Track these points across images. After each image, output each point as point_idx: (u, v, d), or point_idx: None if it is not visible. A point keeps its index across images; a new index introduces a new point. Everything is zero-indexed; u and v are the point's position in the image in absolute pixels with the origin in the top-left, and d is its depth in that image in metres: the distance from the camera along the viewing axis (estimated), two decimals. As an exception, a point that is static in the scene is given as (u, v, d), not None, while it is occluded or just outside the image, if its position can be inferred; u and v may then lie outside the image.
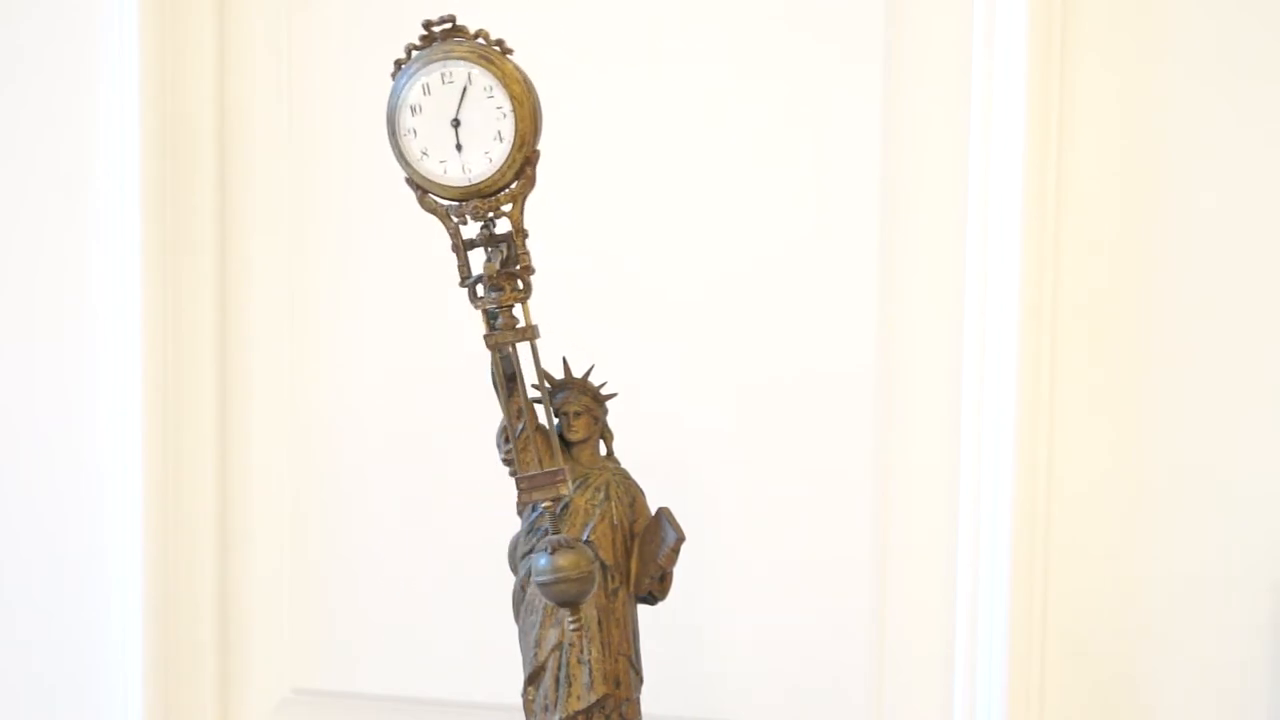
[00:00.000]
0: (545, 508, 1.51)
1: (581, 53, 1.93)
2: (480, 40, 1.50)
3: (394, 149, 1.50)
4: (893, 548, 1.91)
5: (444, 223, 1.52)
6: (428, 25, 1.50)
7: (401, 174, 1.51)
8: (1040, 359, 1.83)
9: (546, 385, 1.56)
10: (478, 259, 1.51)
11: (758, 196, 1.92)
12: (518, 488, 1.50)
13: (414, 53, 1.51)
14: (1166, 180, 1.82)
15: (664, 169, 1.94)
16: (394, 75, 1.51)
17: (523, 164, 1.50)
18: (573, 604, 1.49)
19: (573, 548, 1.49)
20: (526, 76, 1.49)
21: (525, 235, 1.51)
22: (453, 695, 2.03)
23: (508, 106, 1.48)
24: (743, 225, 1.92)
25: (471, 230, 1.52)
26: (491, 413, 1.56)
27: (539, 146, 1.50)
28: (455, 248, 1.51)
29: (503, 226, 1.52)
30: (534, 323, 1.50)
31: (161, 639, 2.06)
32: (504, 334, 1.50)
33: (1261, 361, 1.81)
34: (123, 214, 2.02)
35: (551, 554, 1.48)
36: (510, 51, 1.49)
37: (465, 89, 1.48)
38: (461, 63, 1.48)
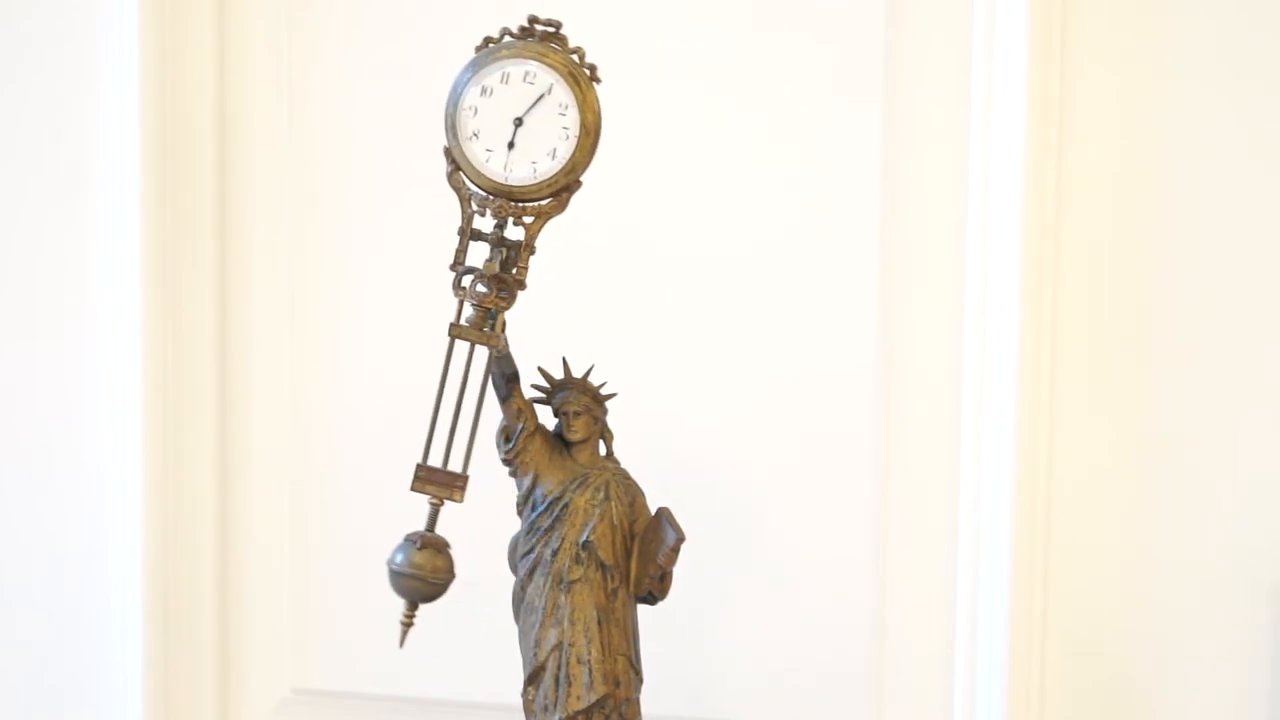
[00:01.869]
0: (433, 503, 1.50)
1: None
2: (575, 57, 1.49)
3: (447, 117, 1.49)
4: (893, 548, 1.91)
5: (462, 205, 1.50)
6: (533, 20, 1.49)
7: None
8: (1040, 359, 1.83)
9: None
10: (475, 255, 1.50)
11: (758, 197, 1.92)
12: (415, 473, 1.50)
13: (507, 37, 1.50)
14: (1166, 180, 1.82)
15: (663, 169, 1.94)
16: (479, 48, 1.49)
17: (563, 188, 1.49)
18: (414, 600, 1.51)
19: (439, 551, 1.49)
20: (601, 110, 1.48)
21: (533, 252, 1.50)
22: (453, 695, 2.03)
23: (575, 130, 1.47)
24: (743, 225, 1.92)
25: (483, 223, 1.51)
26: (491, 412, 1.56)
27: (583, 179, 1.49)
28: (462, 231, 1.50)
29: (515, 234, 1.51)
30: (503, 335, 1.49)
31: (161, 639, 2.06)
32: (468, 330, 1.49)
33: (1262, 361, 1.81)
34: (123, 214, 2.02)
35: (418, 547, 1.49)
36: (599, 81, 1.49)
37: (542, 96, 1.47)
38: (550, 71, 1.47)
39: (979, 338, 1.84)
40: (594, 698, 1.56)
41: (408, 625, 1.52)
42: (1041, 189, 1.81)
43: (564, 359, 1.60)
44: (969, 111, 1.83)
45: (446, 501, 1.52)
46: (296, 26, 2.03)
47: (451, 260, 1.51)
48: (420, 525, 1.53)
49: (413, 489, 1.50)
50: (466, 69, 1.49)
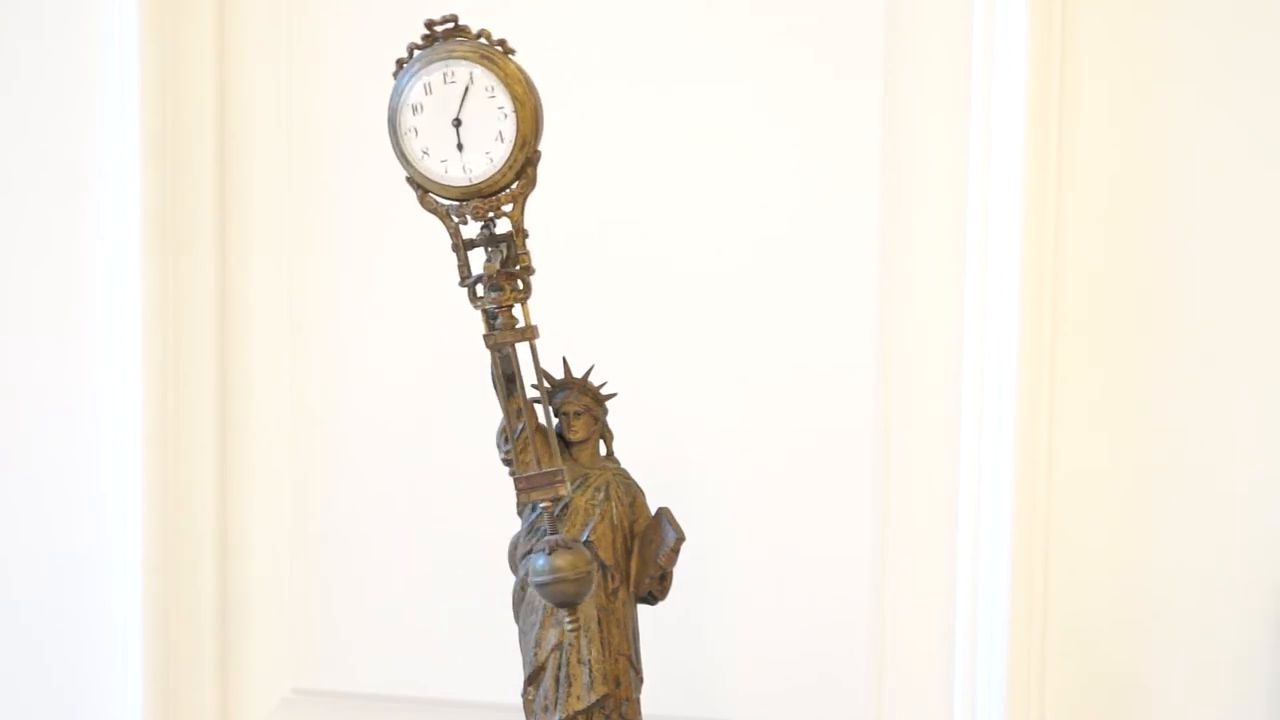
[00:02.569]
0: (544, 508, 1.51)
1: (583, 54, 1.93)
2: (482, 40, 1.50)
3: (395, 148, 1.50)
4: (893, 547, 1.91)
5: (444, 222, 1.52)
6: (430, 25, 1.50)
7: (402, 173, 1.51)
8: (1040, 357, 1.83)
9: (546, 385, 1.56)
10: (477, 259, 1.51)
11: (757, 196, 1.92)
12: (516, 488, 1.50)
13: (416, 52, 1.51)
14: (1165, 179, 1.82)
15: (663, 169, 1.94)
16: (395, 74, 1.51)
17: (524, 164, 1.50)
18: (570, 604, 1.49)
19: (570, 548, 1.49)
20: (528, 77, 1.49)
21: (525, 235, 1.51)
22: (453, 695, 2.03)
23: (509, 107, 1.48)
24: (742, 225, 1.92)
25: (472, 230, 1.52)
26: (491, 413, 1.56)
27: (540, 147, 1.50)
28: (455, 247, 1.51)
29: (503, 226, 1.51)
30: (534, 323, 1.50)
31: (162, 639, 2.06)
32: (503, 334, 1.50)
33: (1262, 360, 1.81)
34: (123, 214, 2.02)
35: (550, 554, 1.48)
36: (512, 52, 1.49)
37: (467, 89, 1.48)
38: (463, 62, 1.48)
39: (979, 337, 1.84)
40: (594, 698, 1.56)
41: (575, 630, 1.51)
42: (1041, 188, 1.81)
43: (564, 359, 1.60)
44: (969, 110, 1.83)
45: (558, 500, 1.51)
46: (296, 27, 2.03)
47: (458, 279, 1.51)
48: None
49: (520, 502, 1.50)
50: (393, 95, 1.50)
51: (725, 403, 1.93)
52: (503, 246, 1.51)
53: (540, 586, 1.49)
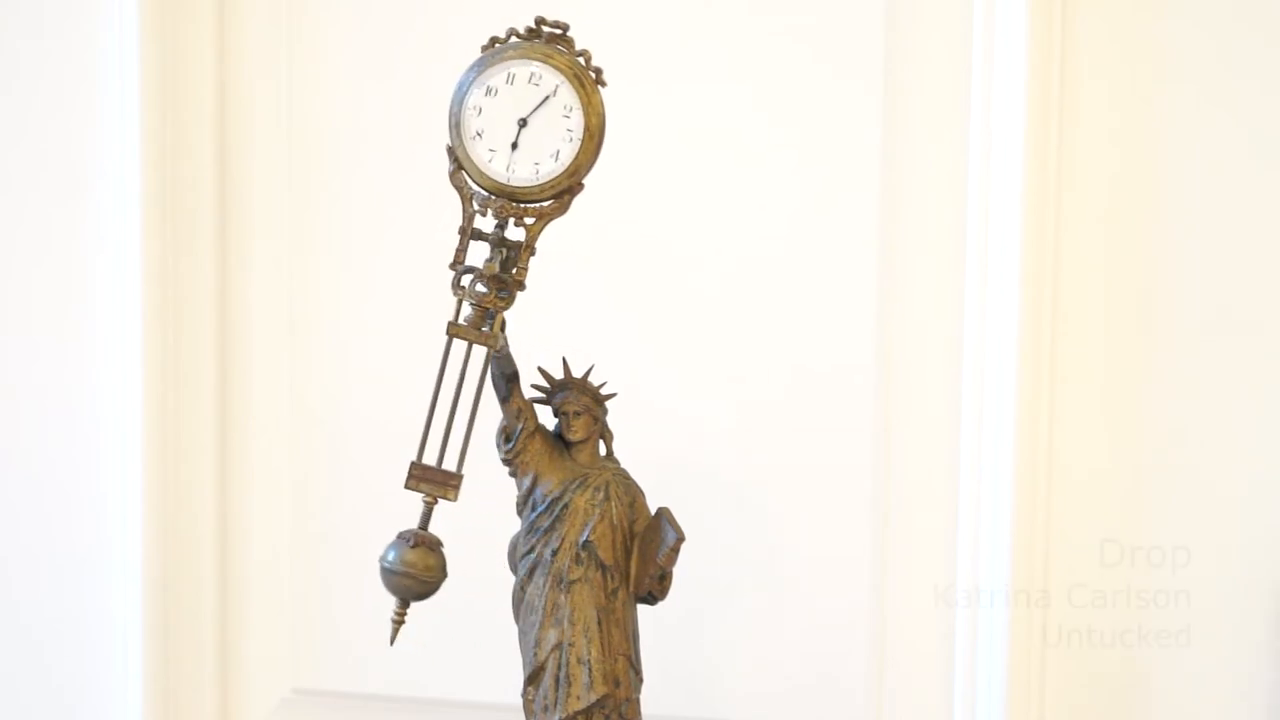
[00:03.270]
0: (426, 501, 1.51)
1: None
2: (581, 60, 1.49)
3: (451, 116, 1.49)
4: (893, 546, 1.91)
5: (464, 204, 1.50)
6: (539, 21, 1.49)
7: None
8: (1040, 356, 1.83)
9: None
10: (475, 254, 1.50)
11: (757, 196, 1.92)
12: (409, 471, 1.50)
13: (513, 38, 1.50)
14: (1165, 178, 1.82)
15: (662, 167, 1.94)
16: (485, 48, 1.49)
17: (565, 190, 1.49)
18: (405, 599, 1.51)
19: (433, 550, 1.50)
20: (605, 114, 1.48)
21: (532, 254, 1.50)
22: (453, 695, 2.03)
23: (579, 133, 1.47)
24: (743, 224, 1.92)
25: (484, 223, 1.51)
26: (491, 413, 1.56)
27: (585, 182, 1.49)
28: (462, 230, 1.50)
29: (515, 234, 1.51)
30: (502, 335, 1.49)
31: (161, 639, 2.06)
32: (467, 330, 1.49)
33: (1262, 360, 1.81)
34: (123, 214, 2.02)
35: (411, 546, 1.49)
36: (604, 84, 1.49)
37: (547, 98, 1.47)
38: (556, 73, 1.47)
39: (979, 337, 1.84)
40: (594, 698, 1.56)
41: (399, 623, 1.52)
42: (1041, 188, 1.81)
43: (564, 359, 1.60)
44: (969, 110, 1.84)
45: (440, 500, 1.51)
46: (296, 27, 2.03)
47: (451, 259, 1.51)
48: (431, 528, 1.53)
49: (406, 487, 1.51)
50: (471, 69, 1.49)
51: (725, 403, 1.93)
52: (507, 252, 1.50)
53: (384, 572, 1.51)
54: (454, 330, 1.49)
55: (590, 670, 1.56)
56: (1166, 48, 1.81)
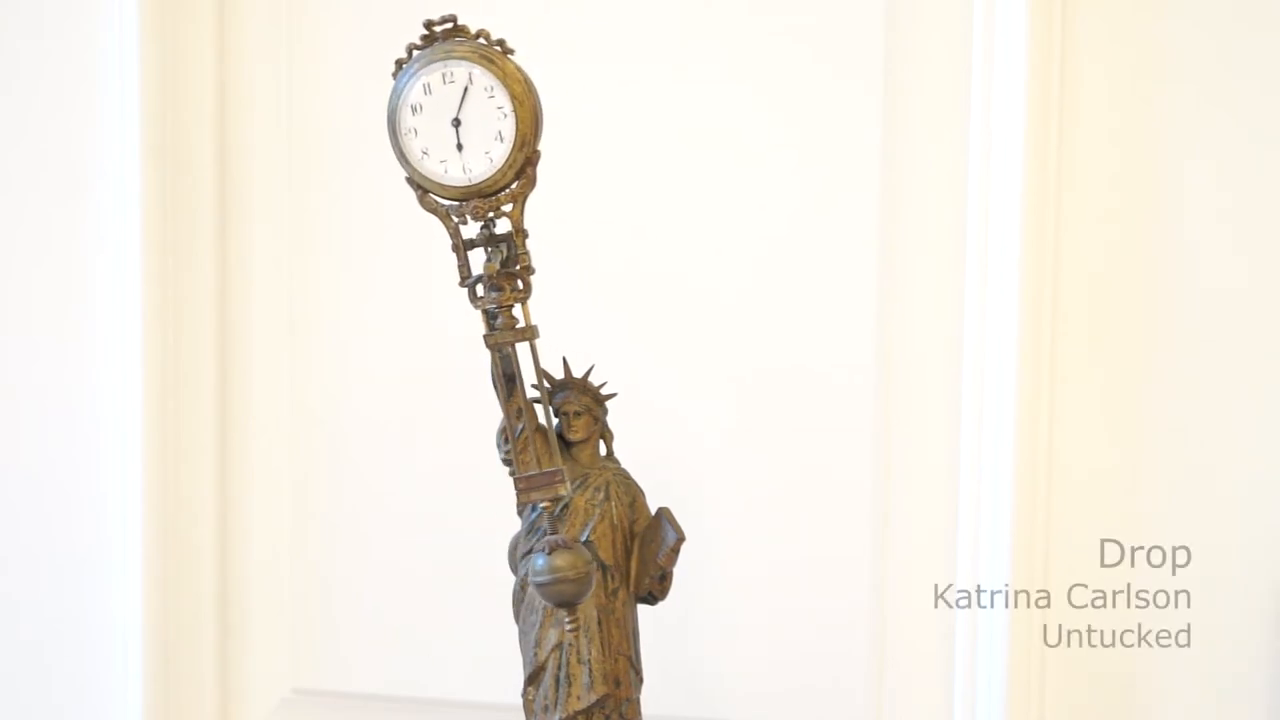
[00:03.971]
0: (544, 508, 1.51)
1: (582, 54, 1.93)
2: (481, 40, 1.50)
3: (395, 148, 1.50)
4: (893, 546, 1.91)
5: (444, 223, 1.52)
6: (429, 25, 1.50)
7: (402, 173, 1.51)
8: (1040, 357, 1.83)
9: (546, 385, 1.56)
10: (477, 259, 1.51)
11: (758, 196, 1.92)
12: (516, 488, 1.50)
13: (415, 52, 1.51)
14: (1165, 180, 1.82)
15: (663, 169, 1.94)
16: (395, 75, 1.51)
17: (523, 164, 1.49)
18: (570, 604, 1.49)
19: (570, 548, 1.49)
20: (527, 77, 1.49)
21: (525, 235, 1.51)
22: (453, 695, 2.03)
23: (509, 106, 1.48)
24: (742, 224, 1.92)
25: (471, 230, 1.52)
26: (491, 412, 1.56)
27: (540, 147, 1.50)
28: (455, 248, 1.51)
29: (503, 226, 1.51)
30: (534, 323, 1.50)
31: (161, 639, 2.06)
32: (503, 334, 1.50)
33: (1262, 360, 1.81)
34: (123, 214, 2.02)
35: (549, 554, 1.48)
36: (511, 52, 1.49)
37: (466, 89, 1.48)
38: (463, 62, 1.48)
39: (979, 337, 1.84)
40: (594, 698, 1.56)
41: (574, 630, 1.51)
42: (1041, 188, 1.81)
43: (564, 359, 1.60)
44: (969, 110, 1.84)
45: (558, 500, 1.51)
46: (296, 27, 2.03)
47: (458, 278, 1.51)
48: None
49: (520, 502, 1.50)
50: (393, 96, 1.50)
51: (725, 403, 1.93)
52: (502, 246, 1.51)
53: (540, 587, 1.49)
54: (493, 340, 1.50)
55: (590, 670, 1.56)
56: (1166, 48, 1.81)
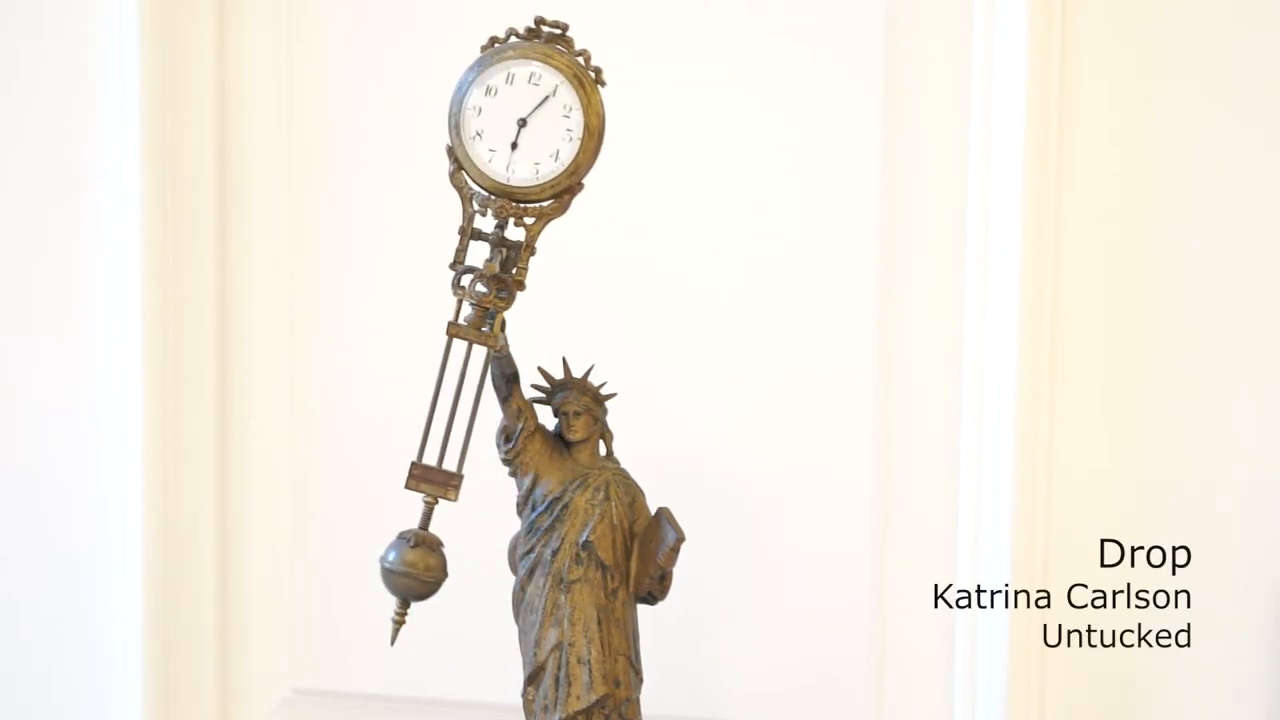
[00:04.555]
0: (427, 502, 1.51)
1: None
2: (581, 60, 1.49)
3: (451, 117, 1.49)
4: (893, 547, 1.91)
5: (464, 204, 1.51)
6: (539, 21, 1.50)
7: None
8: (1040, 357, 1.83)
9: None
10: (475, 254, 1.51)
11: (758, 196, 1.92)
12: (409, 471, 1.50)
13: (513, 38, 1.50)
14: (1165, 180, 1.82)
15: (662, 169, 1.94)
16: (484, 48, 1.50)
17: (565, 190, 1.49)
18: (407, 599, 1.51)
19: (433, 550, 1.50)
20: (605, 114, 1.48)
21: (533, 253, 1.51)
22: (453, 695, 2.03)
23: (578, 133, 1.47)
24: (742, 224, 1.92)
25: (484, 223, 1.51)
26: (491, 413, 1.56)
27: (585, 182, 1.49)
28: (462, 230, 1.50)
29: (515, 234, 1.51)
30: (503, 336, 1.49)
31: (161, 639, 2.06)
32: (467, 330, 1.49)
33: (1262, 360, 1.81)
34: (123, 214, 2.02)
35: (411, 545, 1.49)
36: (603, 84, 1.49)
37: (547, 98, 1.48)
38: (555, 73, 1.47)
39: (979, 337, 1.84)
40: (594, 698, 1.56)
41: (399, 623, 1.53)
42: (1041, 188, 1.81)
43: (564, 359, 1.60)
44: (969, 110, 1.84)
45: (441, 500, 1.52)
46: (296, 27, 2.03)
47: (451, 259, 1.51)
48: (432, 528, 1.53)
49: (407, 487, 1.51)
50: (471, 68, 1.49)
51: (725, 403, 1.93)
52: (507, 252, 1.50)
53: (384, 572, 1.51)
54: (454, 330, 1.49)
55: (590, 670, 1.56)
56: (1166, 48, 1.81)
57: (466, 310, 1.50)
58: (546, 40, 1.50)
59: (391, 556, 1.51)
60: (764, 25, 1.90)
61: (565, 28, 1.50)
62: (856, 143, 1.88)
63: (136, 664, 2.05)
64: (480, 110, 1.48)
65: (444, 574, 1.52)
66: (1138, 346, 1.84)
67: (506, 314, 1.51)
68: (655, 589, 1.58)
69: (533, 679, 1.58)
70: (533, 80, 1.48)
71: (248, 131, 2.05)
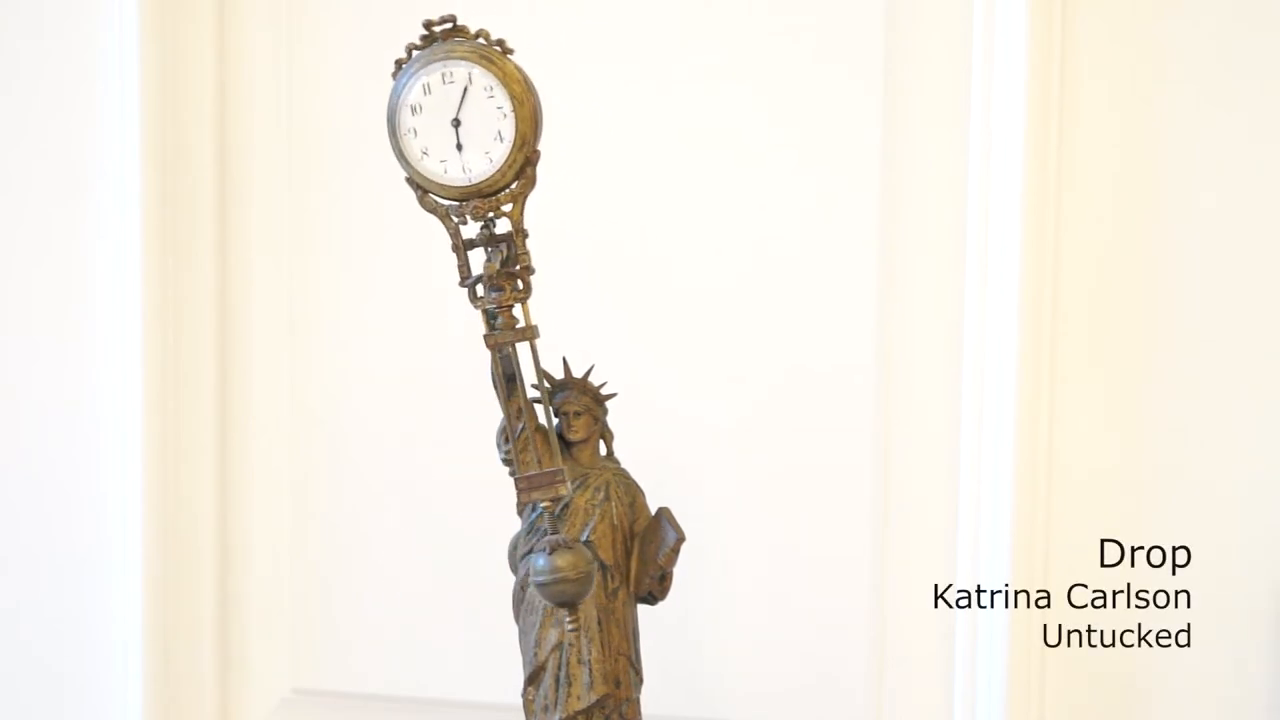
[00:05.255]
0: (544, 507, 1.51)
1: (582, 54, 1.93)
2: (481, 40, 1.50)
3: (394, 148, 1.50)
4: (893, 547, 1.91)
5: (444, 223, 1.52)
6: (428, 25, 1.50)
7: (402, 173, 1.51)
8: (1040, 357, 1.83)
9: (546, 385, 1.56)
10: (477, 259, 1.51)
11: (758, 196, 1.92)
12: (517, 488, 1.50)
13: (414, 52, 1.51)
14: (1165, 180, 1.82)
15: (663, 169, 1.94)
16: (394, 75, 1.51)
17: (523, 164, 1.50)
18: (570, 604, 1.50)
19: (571, 548, 1.49)
20: (527, 77, 1.49)
21: (525, 235, 1.51)
22: (453, 695, 2.03)
23: (508, 106, 1.48)
24: (742, 225, 1.92)
25: (471, 230, 1.52)
26: (491, 413, 1.56)
27: (540, 147, 1.50)
28: (455, 248, 1.51)
29: (503, 226, 1.52)
30: (534, 323, 1.50)
31: (161, 639, 2.06)
32: (504, 334, 1.50)
33: (1262, 360, 1.81)
34: (123, 214, 2.02)
35: (550, 554, 1.48)
36: (511, 52, 1.49)
37: (466, 89, 1.48)
38: (462, 62, 1.48)
39: (979, 337, 1.84)
40: (594, 698, 1.56)
41: (575, 630, 1.51)
42: (1041, 188, 1.81)
43: (564, 359, 1.60)
44: (969, 110, 1.84)
45: (558, 500, 1.51)
46: (296, 27, 2.03)
47: (459, 279, 1.51)
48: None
49: (521, 502, 1.50)
50: (392, 96, 1.50)
51: (725, 403, 1.93)
52: (503, 246, 1.51)
53: (541, 586, 1.49)
54: (493, 340, 1.50)
55: (590, 670, 1.56)
56: (1166, 48, 1.81)
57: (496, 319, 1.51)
58: (444, 39, 1.50)
59: (540, 567, 1.49)
60: (764, 26, 1.90)
61: (453, 19, 1.51)
62: (856, 143, 1.88)
63: (136, 664, 2.05)
64: (415, 131, 1.49)
65: (593, 564, 1.50)
66: (1138, 346, 1.84)
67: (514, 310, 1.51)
68: (655, 589, 1.58)
69: (533, 679, 1.58)
70: (446, 80, 1.48)
71: (248, 131, 2.05)
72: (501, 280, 1.50)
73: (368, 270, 2.03)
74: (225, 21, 2.04)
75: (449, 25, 1.50)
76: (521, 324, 1.50)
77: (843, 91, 1.89)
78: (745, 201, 1.92)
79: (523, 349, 1.51)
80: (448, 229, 1.51)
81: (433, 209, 1.52)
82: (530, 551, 1.57)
